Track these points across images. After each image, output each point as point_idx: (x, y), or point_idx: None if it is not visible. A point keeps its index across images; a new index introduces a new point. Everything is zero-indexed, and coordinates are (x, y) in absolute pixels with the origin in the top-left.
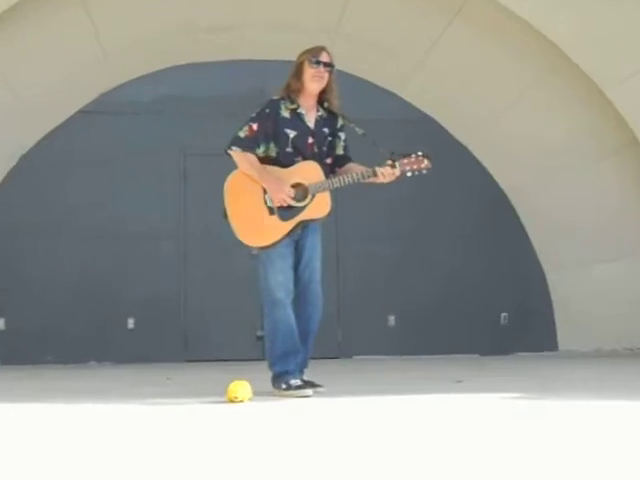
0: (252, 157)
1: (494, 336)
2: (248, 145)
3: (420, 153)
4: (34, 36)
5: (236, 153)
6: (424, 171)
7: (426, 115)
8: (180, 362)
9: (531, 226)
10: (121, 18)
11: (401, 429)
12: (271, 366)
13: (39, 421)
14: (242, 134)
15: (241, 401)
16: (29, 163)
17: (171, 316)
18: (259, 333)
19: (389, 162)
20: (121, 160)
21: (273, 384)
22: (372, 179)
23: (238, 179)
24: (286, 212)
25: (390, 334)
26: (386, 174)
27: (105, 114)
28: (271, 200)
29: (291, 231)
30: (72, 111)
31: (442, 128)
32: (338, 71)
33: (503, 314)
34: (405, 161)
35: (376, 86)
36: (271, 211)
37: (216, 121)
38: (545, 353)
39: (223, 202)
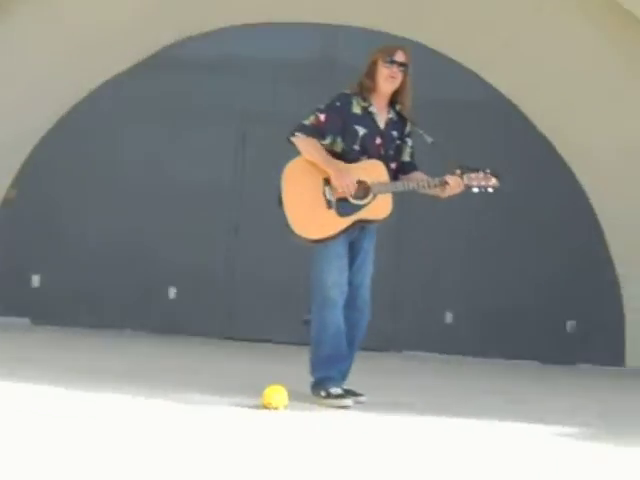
0: (316, 143)
1: (558, 344)
2: (312, 133)
3: (489, 170)
4: None
5: (298, 139)
6: (490, 189)
7: (509, 100)
8: (221, 338)
9: (611, 231)
10: None
11: (431, 462)
12: (313, 371)
13: (53, 407)
14: (307, 122)
15: (275, 408)
16: (79, 112)
17: (216, 288)
18: (306, 317)
19: (457, 172)
20: (178, 118)
21: (312, 391)
22: (437, 190)
23: (297, 167)
24: (345, 208)
25: (446, 331)
26: (453, 184)
27: (165, 68)
28: (332, 191)
29: (347, 228)
30: (129, 63)
31: (523, 115)
32: (421, 46)
33: (570, 322)
34: (473, 175)
35: (460, 65)
36: (329, 204)
37: (282, 85)
38: (610, 368)
39: (279, 190)
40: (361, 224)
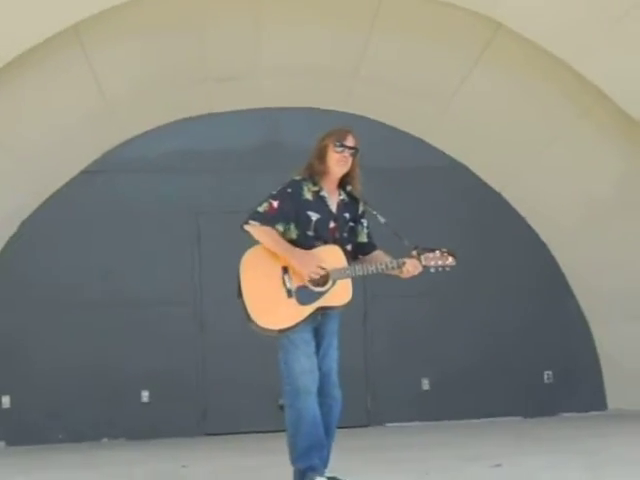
0: (272, 231)
1: (538, 396)
2: (267, 220)
3: (445, 249)
4: (32, 94)
5: (255, 227)
6: (447, 268)
7: (458, 162)
8: (199, 436)
9: (573, 277)
10: (124, 69)
11: None
12: (294, 462)
13: None
14: (261, 209)
15: None
16: (29, 229)
17: (188, 387)
18: (281, 402)
19: (414, 254)
20: (129, 223)
21: None
22: (396, 271)
23: (255, 256)
24: (305, 296)
25: (424, 398)
26: (411, 269)
27: (110, 173)
28: (291, 279)
29: (309, 316)
30: (75, 171)
31: (474, 174)
32: (362, 118)
33: (547, 372)
34: (430, 256)
35: (402, 132)
36: (289, 293)
37: (229, 176)
38: (593, 413)
39: (238, 280)
40: (323, 311)
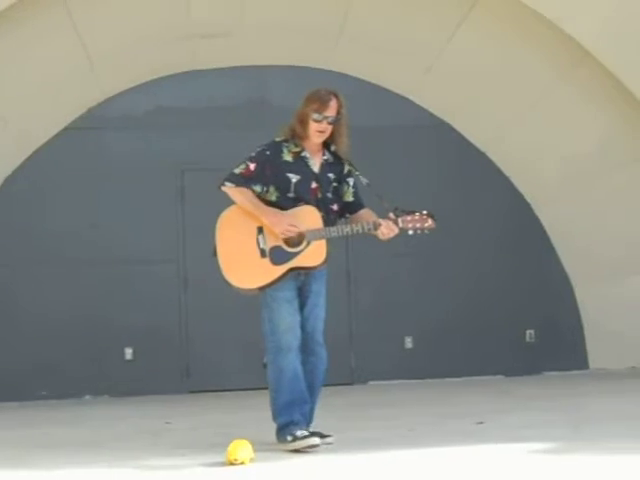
0: (247, 191)
1: (520, 355)
2: (242, 181)
3: (425, 212)
4: (14, 49)
5: (230, 189)
6: (426, 231)
7: (442, 121)
8: (182, 393)
9: (557, 237)
10: (107, 26)
11: None
12: (275, 417)
13: None
14: (237, 171)
15: (242, 463)
16: (13, 186)
17: (172, 345)
18: (265, 360)
19: (392, 216)
20: (113, 179)
21: (278, 437)
22: (373, 232)
23: (231, 216)
24: (279, 256)
25: (407, 357)
26: (385, 231)
27: (94, 130)
28: (265, 239)
29: (281, 277)
30: (58, 128)
31: (459, 134)
32: (347, 77)
33: (529, 331)
34: (408, 218)
35: (388, 91)
36: (263, 253)
37: (214, 133)
38: (575, 372)
39: (213, 239)
40: (297, 271)
